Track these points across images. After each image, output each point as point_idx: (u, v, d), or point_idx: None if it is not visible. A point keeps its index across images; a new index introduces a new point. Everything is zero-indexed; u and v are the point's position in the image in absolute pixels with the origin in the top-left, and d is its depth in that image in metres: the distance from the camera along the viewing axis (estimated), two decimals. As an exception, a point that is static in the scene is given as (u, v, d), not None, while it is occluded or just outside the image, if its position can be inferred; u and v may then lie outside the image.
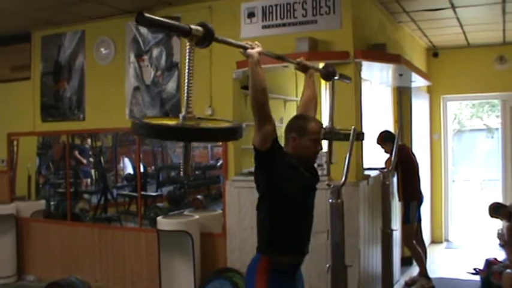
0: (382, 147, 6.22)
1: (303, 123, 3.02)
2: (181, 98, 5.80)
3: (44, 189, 7.47)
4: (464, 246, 8.37)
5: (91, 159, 7.19)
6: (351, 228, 4.55)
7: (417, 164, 6.43)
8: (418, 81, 6.98)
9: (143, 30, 6.04)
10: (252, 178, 3.00)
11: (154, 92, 5.98)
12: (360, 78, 5.30)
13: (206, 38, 2.22)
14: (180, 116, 2.10)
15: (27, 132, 7.07)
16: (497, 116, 12.49)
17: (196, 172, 6.79)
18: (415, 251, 6.20)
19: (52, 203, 7.33)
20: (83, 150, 7.13)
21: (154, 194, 6.79)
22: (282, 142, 2.99)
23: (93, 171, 7.24)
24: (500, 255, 6.41)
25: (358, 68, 5.18)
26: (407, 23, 6.98)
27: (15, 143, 7.33)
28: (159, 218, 5.59)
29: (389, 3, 6.03)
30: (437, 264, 7.18)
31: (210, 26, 2.23)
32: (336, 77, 3.81)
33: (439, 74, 8.49)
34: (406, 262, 6.76)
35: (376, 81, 6.76)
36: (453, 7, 6.11)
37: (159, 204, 6.65)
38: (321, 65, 5.11)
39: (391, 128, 6.87)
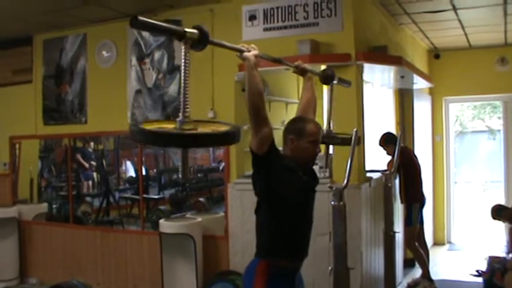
0: (384, 149, 6.21)
1: (301, 125, 3.00)
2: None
3: (46, 192, 7.48)
4: (467, 248, 8.35)
5: (93, 163, 7.19)
6: (353, 230, 4.54)
7: (419, 166, 6.43)
8: (419, 83, 6.98)
9: (145, 33, 6.04)
10: (255, 181, 2.98)
11: (156, 95, 5.99)
12: (362, 80, 5.30)
13: (201, 41, 2.22)
14: (178, 120, 2.10)
15: (29, 136, 7.08)
16: (499, 118, 12.48)
17: (199, 175, 6.78)
18: (418, 253, 6.18)
19: (54, 206, 7.33)
20: (86, 154, 7.13)
21: (156, 196, 6.78)
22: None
23: (95, 174, 7.24)
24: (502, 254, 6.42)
25: (360, 70, 5.18)
26: (409, 25, 6.98)
27: (17, 146, 7.35)
28: (161, 221, 5.59)
29: (391, 5, 6.03)
30: (439, 266, 7.17)
31: (205, 29, 2.22)
32: (334, 81, 3.80)
33: (440, 75, 8.49)
34: (408, 264, 6.75)
35: (378, 83, 6.76)
36: (454, 9, 6.11)
37: (161, 207, 6.64)
38: (323, 67, 5.14)
39: (393, 130, 6.86)
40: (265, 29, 5.39)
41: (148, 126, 2.13)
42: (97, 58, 6.46)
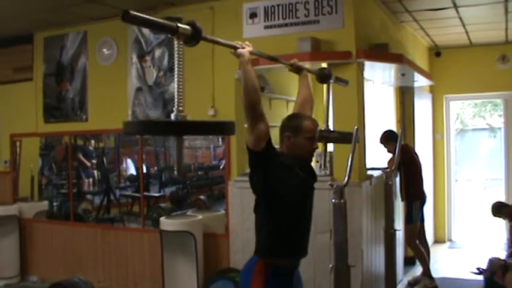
0: (385, 146, 6.21)
1: (298, 122, 2.97)
2: (184, 98, 5.80)
3: (47, 190, 7.48)
4: (468, 246, 8.36)
5: (94, 161, 7.19)
6: (353, 228, 4.54)
7: (420, 163, 6.43)
8: (420, 81, 6.98)
9: (145, 31, 6.04)
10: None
11: (157, 92, 5.99)
12: (362, 78, 5.29)
13: (194, 37, 2.21)
14: (172, 116, 2.10)
15: (30, 133, 7.08)
16: (500, 115, 12.49)
17: (199, 172, 6.79)
18: (418, 251, 6.19)
19: (55, 203, 7.33)
20: (87, 152, 7.13)
21: (157, 194, 6.79)
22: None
23: (96, 172, 7.24)
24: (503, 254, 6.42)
25: (361, 68, 5.18)
26: (410, 23, 6.97)
27: (18, 144, 7.35)
28: (162, 219, 5.59)
29: (392, 3, 6.02)
30: (440, 264, 7.17)
31: (198, 25, 2.22)
32: (331, 80, 3.79)
33: (441, 73, 8.48)
34: (409, 262, 6.75)
35: (379, 81, 6.76)
36: (455, 6, 6.10)
37: (162, 205, 6.64)
38: (324, 65, 5.14)
39: (393, 128, 6.86)
40: (266, 27, 5.38)
41: None
42: (97, 56, 6.46)
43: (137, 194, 6.47)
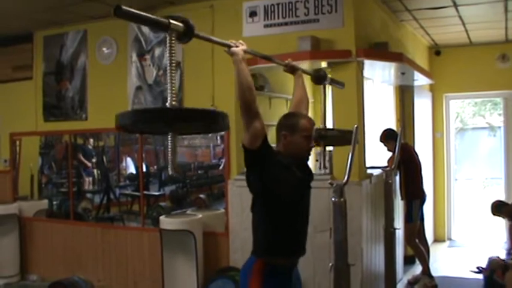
0: (385, 145, 6.21)
1: (294, 120, 2.96)
2: (184, 97, 5.81)
3: (47, 189, 7.48)
4: (467, 245, 8.36)
5: (94, 160, 7.19)
6: (353, 227, 4.55)
7: (420, 162, 6.43)
8: (420, 80, 6.98)
9: (145, 29, 6.04)
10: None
11: (157, 91, 5.99)
12: (362, 77, 5.29)
13: (186, 34, 2.23)
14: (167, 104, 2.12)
15: (30, 132, 7.08)
16: (500, 114, 12.48)
17: (199, 171, 6.79)
18: (418, 250, 6.19)
19: (55, 202, 7.33)
20: (87, 152, 7.13)
21: (156, 193, 6.79)
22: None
23: (95, 170, 7.24)
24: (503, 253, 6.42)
25: (360, 67, 5.18)
26: (410, 22, 6.97)
27: (17, 143, 7.35)
28: (161, 218, 5.59)
29: (392, 2, 6.02)
30: (440, 262, 7.17)
31: (191, 22, 2.23)
32: (326, 81, 3.78)
33: (441, 72, 8.48)
34: (409, 261, 6.76)
35: (379, 79, 6.76)
36: (455, 5, 6.10)
37: (162, 204, 6.65)
38: (323, 64, 5.14)
39: (393, 126, 6.86)
40: (266, 26, 5.38)
41: None
42: (97, 54, 6.46)
43: (137, 193, 6.47)
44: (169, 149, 2.11)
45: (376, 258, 5.42)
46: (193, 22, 2.24)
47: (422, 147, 7.54)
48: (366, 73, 5.41)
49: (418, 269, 6.45)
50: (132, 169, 6.97)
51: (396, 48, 6.20)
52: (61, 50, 6.74)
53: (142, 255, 6.08)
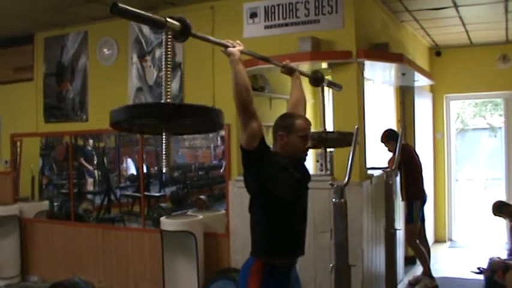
0: (386, 145, 6.21)
1: (290, 121, 2.96)
2: (184, 98, 5.81)
3: (48, 190, 7.48)
4: (468, 246, 8.36)
5: (95, 162, 7.19)
6: (354, 227, 4.55)
7: (420, 163, 6.42)
8: (420, 81, 6.98)
9: (146, 30, 6.05)
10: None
11: (157, 92, 5.99)
12: (363, 77, 5.30)
13: (183, 33, 2.23)
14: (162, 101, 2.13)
15: (30, 133, 7.09)
16: (500, 115, 12.48)
17: (200, 172, 6.78)
18: (419, 251, 6.19)
19: (55, 203, 7.33)
20: (87, 154, 7.13)
21: (157, 194, 6.78)
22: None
23: (96, 172, 7.24)
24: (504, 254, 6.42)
25: (361, 68, 5.18)
26: (410, 22, 6.97)
27: (18, 144, 7.35)
28: (162, 219, 5.59)
29: (392, 3, 6.02)
30: (440, 263, 7.17)
31: (187, 21, 2.23)
32: (324, 83, 3.78)
33: (441, 73, 8.48)
34: (409, 261, 6.75)
35: (379, 80, 6.76)
36: (456, 6, 6.10)
37: (163, 205, 6.64)
38: (324, 65, 5.14)
39: (394, 127, 6.86)
40: (266, 27, 5.38)
41: None
42: (98, 56, 6.46)
43: (138, 194, 6.47)
44: (163, 147, 2.12)
45: (376, 259, 5.42)
46: (191, 22, 2.24)
47: (423, 148, 7.54)
48: (366, 74, 5.42)
49: (418, 269, 6.45)
50: (132, 170, 6.96)
51: (397, 49, 6.20)
52: (62, 51, 6.74)
53: (143, 256, 6.08)
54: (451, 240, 8.76)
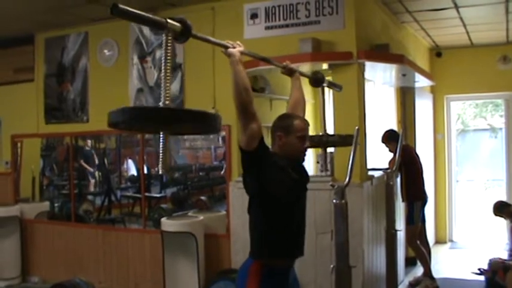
0: (387, 146, 6.21)
1: (289, 122, 2.96)
2: (184, 99, 5.82)
3: (48, 191, 7.48)
4: (469, 247, 8.35)
5: (96, 162, 7.19)
6: (355, 228, 4.54)
7: (421, 164, 6.42)
8: (421, 81, 6.98)
9: (146, 31, 6.05)
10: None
11: (158, 93, 5.96)
12: (363, 78, 5.29)
13: (183, 34, 2.23)
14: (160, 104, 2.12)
15: (31, 134, 7.09)
16: (501, 116, 12.47)
17: (200, 173, 6.78)
18: (419, 251, 6.18)
19: (56, 204, 7.33)
20: (88, 155, 7.13)
21: (158, 195, 6.78)
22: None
23: (97, 173, 7.25)
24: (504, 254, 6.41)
25: (361, 69, 5.18)
26: (411, 23, 6.98)
27: (19, 145, 7.36)
28: (163, 219, 5.59)
29: (392, 4, 6.03)
30: (441, 264, 7.17)
31: (188, 22, 2.23)
32: (324, 84, 3.78)
33: (442, 74, 8.48)
34: (410, 262, 6.75)
35: (380, 81, 6.76)
36: (456, 7, 6.10)
37: (163, 206, 6.64)
38: (324, 66, 5.14)
39: (394, 128, 6.86)
40: (267, 28, 5.39)
41: None
42: (99, 57, 6.46)
43: (138, 195, 6.47)
44: (161, 148, 2.12)
45: (377, 260, 5.42)
46: (191, 23, 2.24)
47: (424, 148, 7.54)
48: (366, 75, 5.42)
49: (419, 270, 6.44)
50: (133, 171, 6.97)
51: (397, 50, 6.20)
52: (62, 52, 6.75)
53: (143, 257, 6.08)
54: (451, 241, 8.76)
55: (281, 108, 6.57)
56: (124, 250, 6.24)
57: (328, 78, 4.12)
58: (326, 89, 3.91)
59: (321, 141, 3.68)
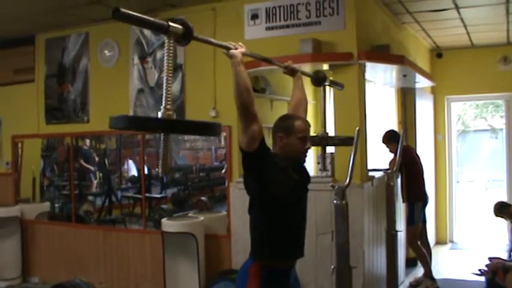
0: (387, 146, 6.21)
1: (290, 122, 2.96)
2: (185, 99, 5.82)
3: (49, 191, 7.48)
4: (469, 247, 8.35)
5: (96, 163, 7.19)
6: (355, 229, 4.54)
7: (421, 165, 6.42)
8: (422, 82, 6.98)
9: (147, 32, 6.05)
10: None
11: (158, 94, 5.99)
12: (364, 79, 5.29)
13: (185, 36, 2.22)
14: (159, 113, 2.11)
15: (32, 135, 7.09)
16: (502, 117, 12.47)
17: (201, 174, 6.79)
18: (420, 252, 6.18)
19: (57, 205, 7.33)
20: (88, 156, 7.13)
21: (158, 195, 6.78)
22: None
23: (97, 173, 7.25)
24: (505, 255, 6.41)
25: (362, 69, 5.18)
26: (411, 24, 6.98)
27: (19, 145, 7.36)
28: (163, 220, 5.59)
29: (393, 4, 6.03)
30: (442, 265, 7.17)
31: (190, 25, 2.22)
32: (326, 83, 3.78)
33: (443, 74, 8.48)
34: (410, 263, 6.75)
35: (380, 82, 6.76)
36: (457, 8, 6.10)
37: (164, 206, 6.64)
38: (325, 66, 5.14)
39: (395, 129, 6.86)
40: (268, 28, 5.39)
41: None
42: (99, 57, 6.47)
43: (139, 196, 6.47)
44: (161, 150, 2.12)
45: (378, 260, 5.41)
46: (192, 24, 2.24)
47: (424, 149, 7.54)
48: (367, 75, 5.42)
49: (420, 271, 6.44)
50: (134, 171, 6.97)
51: (398, 51, 6.20)
52: (63, 53, 6.75)
53: (144, 258, 6.08)
54: (452, 241, 8.75)
55: (282, 109, 6.57)
56: (124, 251, 6.24)
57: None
58: (327, 89, 3.91)
59: (321, 143, 3.68)
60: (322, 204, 4.74)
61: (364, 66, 5.18)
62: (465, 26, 7.03)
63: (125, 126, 2.10)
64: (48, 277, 6.72)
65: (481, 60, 8.34)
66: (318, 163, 5.59)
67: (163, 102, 2.10)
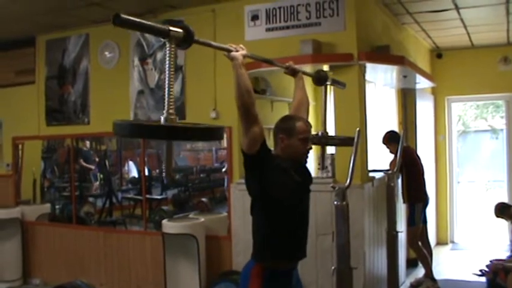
0: (388, 147, 6.21)
1: (291, 124, 2.96)
2: (185, 100, 5.82)
3: (49, 193, 7.49)
4: (470, 248, 8.35)
5: (97, 164, 7.20)
6: (356, 230, 4.54)
7: (422, 165, 6.42)
8: (422, 83, 6.98)
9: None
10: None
11: (159, 95, 5.99)
12: (364, 80, 5.30)
13: (186, 40, 2.22)
14: (162, 118, 2.10)
15: (32, 136, 7.09)
16: (502, 117, 12.47)
17: (201, 175, 6.80)
18: (421, 253, 6.18)
19: (57, 206, 7.34)
20: (88, 157, 7.14)
21: (159, 197, 6.79)
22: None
23: (98, 174, 7.25)
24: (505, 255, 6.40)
25: (362, 70, 5.18)
26: (411, 25, 6.98)
27: (20, 147, 7.36)
28: (164, 221, 5.59)
29: (393, 5, 6.03)
30: (442, 265, 7.16)
31: (190, 28, 2.22)
32: (327, 82, 3.78)
33: (443, 75, 8.48)
34: (411, 264, 6.75)
35: (380, 83, 6.76)
36: (457, 8, 6.10)
37: (164, 207, 6.65)
38: (325, 67, 5.15)
39: (395, 129, 6.85)
40: (268, 29, 5.39)
41: None
42: (99, 59, 6.47)
43: (139, 197, 6.48)
44: (165, 155, 2.12)
45: (378, 261, 5.41)
46: (193, 28, 2.23)
47: (425, 150, 7.54)
48: (367, 76, 5.42)
49: (420, 272, 6.44)
50: (134, 173, 6.98)
51: (398, 52, 6.20)
52: (63, 54, 6.75)
53: (144, 259, 6.08)
54: (453, 242, 8.75)
55: (282, 110, 6.57)
56: (125, 252, 6.23)
57: (329, 79, 4.11)
58: (328, 89, 3.91)
59: (321, 143, 3.68)
60: (323, 205, 4.74)
61: (364, 67, 5.18)
62: (465, 27, 7.04)
63: (128, 133, 2.10)
64: (48, 279, 6.72)
65: (481, 61, 8.34)
66: (319, 164, 5.59)
67: (166, 106, 2.08)
